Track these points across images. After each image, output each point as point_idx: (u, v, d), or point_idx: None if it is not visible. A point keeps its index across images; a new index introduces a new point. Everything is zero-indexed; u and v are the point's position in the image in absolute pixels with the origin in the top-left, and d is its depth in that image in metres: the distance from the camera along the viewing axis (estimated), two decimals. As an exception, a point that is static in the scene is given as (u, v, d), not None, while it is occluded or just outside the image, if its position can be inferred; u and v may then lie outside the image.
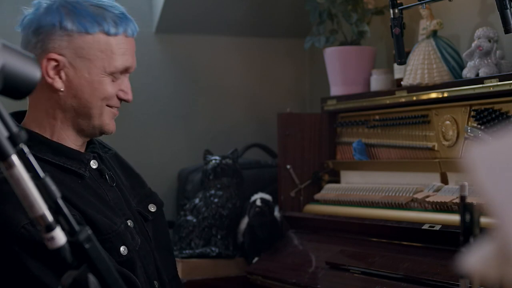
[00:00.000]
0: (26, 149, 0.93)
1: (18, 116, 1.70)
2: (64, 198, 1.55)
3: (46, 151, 1.63)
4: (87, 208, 1.59)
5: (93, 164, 1.70)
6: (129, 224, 1.69)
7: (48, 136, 1.66)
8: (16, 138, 0.92)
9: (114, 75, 1.67)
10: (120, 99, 1.71)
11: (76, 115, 1.67)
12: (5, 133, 0.92)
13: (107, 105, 1.69)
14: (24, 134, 0.93)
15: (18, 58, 0.98)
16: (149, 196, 1.86)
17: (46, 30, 1.62)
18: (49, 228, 0.94)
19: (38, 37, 1.63)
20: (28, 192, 0.92)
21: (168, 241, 1.89)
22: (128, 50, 1.69)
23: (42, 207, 0.93)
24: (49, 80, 1.63)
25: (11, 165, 0.91)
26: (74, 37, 1.63)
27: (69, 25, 1.62)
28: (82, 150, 1.72)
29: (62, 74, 1.64)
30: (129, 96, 1.72)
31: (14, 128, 0.93)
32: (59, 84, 1.64)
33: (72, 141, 1.68)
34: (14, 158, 0.91)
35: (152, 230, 1.79)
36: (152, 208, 1.82)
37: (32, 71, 0.99)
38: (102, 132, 1.71)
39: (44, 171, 1.58)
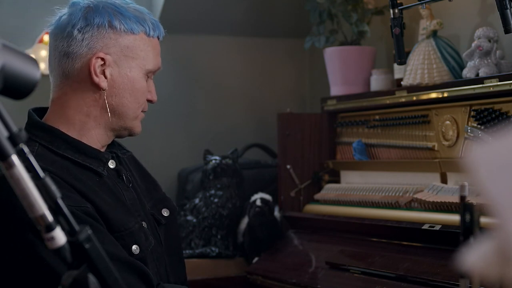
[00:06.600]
0: (26, 149, 0.93)
1: (38, 113, 1.72)
2: (79, 192, 1.58)
3: (66, 148, 1.65)
4: (102, 204, 1.61)
5: (111, 164, 1.72)
6: (143, 225, 1.70)
7: (75, 133, 1.68)
8: (16, 138, 0.92)
9: (148, 75, 1.73)
10: (148, 101, 1.76)
11: (112, 114, 1.70)
12: (5, 133, 0.92)
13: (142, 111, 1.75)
14: (24, 134, 0.93)
15: (18, 58, 0.98)
16: (163, 201, 1.86)
17: (95, 29, 1.67)
18: (49, 228, 0.94)
19: (85, 35, 1.67)
20: (28, 192, 0.92)
21: (179, 247, 1.89)
22: (159, 53, 1.77)
23: (42, 207, 0.93)
24: (96, 79, 1.67)
25: (11, 165, 0.91)
26: (121, 36, 1.68)
27: (117, 24, 1.67)
28: (103, 150, 1.74)
29: (107, 73, 1.68)
30: (155, 97, 1.78)
31: (14, 128, 0.93)
32: (104, 83, 1.68)
33: (98, 140, 1.71)
34: (14, 158, 0.91)
35: (163, 235, 1.80)
36: (165, 212, 1.83)
37: (32, 71, 0.99)
38: (131, 134, 1.76)
39: (63, 166, 1.60)
